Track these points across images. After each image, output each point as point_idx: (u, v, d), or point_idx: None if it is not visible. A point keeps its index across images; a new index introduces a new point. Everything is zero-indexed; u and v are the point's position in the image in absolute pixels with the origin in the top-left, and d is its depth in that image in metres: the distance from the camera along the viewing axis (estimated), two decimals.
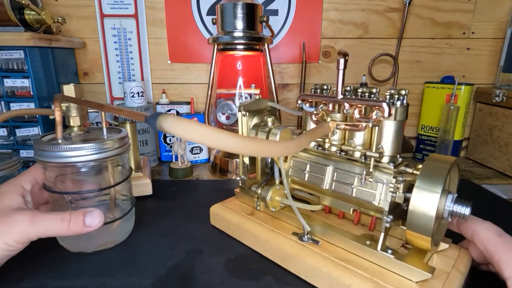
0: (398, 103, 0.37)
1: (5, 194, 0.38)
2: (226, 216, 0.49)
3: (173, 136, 0.82)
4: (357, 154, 0.41)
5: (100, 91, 0.86)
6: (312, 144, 0.45)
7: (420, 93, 0.88)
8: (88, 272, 0.41)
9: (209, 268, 0.41)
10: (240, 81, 0.71)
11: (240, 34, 0.68)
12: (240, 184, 0.52)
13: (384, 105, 0.36)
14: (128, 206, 0.48)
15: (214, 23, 0.73)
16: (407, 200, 0.35)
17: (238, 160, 0.73)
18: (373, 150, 0.38)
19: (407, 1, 0.80)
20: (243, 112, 0.47)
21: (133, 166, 0.61)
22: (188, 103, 0.83)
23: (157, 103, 0.83)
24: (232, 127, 0.72)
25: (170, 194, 0.64)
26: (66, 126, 0.45)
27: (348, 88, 0.42)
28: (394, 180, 0.36)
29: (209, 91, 0.76)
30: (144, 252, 0.45)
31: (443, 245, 0.38)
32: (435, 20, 0.84)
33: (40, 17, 0.68)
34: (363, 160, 0.40)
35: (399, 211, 0.38)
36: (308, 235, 0.41)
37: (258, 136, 0.46)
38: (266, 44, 0.73)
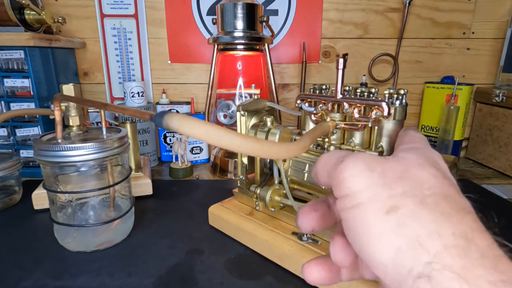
0: (397, 102, 0.37)
1: None
2: (224, 216, 0.49)
3: (173, 136, 0.82)
4: None
5: (100, 91, 0.86)
6: None
7: (420, 93, 0.88)
8: (88, 271, 0.41)
9: (209, 268, 0.41)
10: (240, 81, 0.71)
11: (240, 34, 0.68)
12: (238, 184, 0.52)
13: (384, 104, 0.36)
14: (128, 206, 0.48)
15: (214, 23, 0.73)
16: None
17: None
18: (373, 150, 0.38)
19: (407, 1, 0.80)
20: (242, 112, 0.47)
21: (133, 166, 0.61)
22: (188, 103, 0.83)
23: (157, 103, 0.83)
24: (232, 127, 0.72)
25: (170, 194, 0.64)
26: (66, 126, 0.46)
27: (347, 88, 0.42)
28: None
29: (209, 91, 0.76)
30: (144, 252, 0.45)
31: None
32: (435, 20, 0.84)
33: (40, 17, 0.68)
34: None
35: None
36: (308, 235, 0.41)
37: (257, 136, 0.46)
38: (266, 44, 0.73)
